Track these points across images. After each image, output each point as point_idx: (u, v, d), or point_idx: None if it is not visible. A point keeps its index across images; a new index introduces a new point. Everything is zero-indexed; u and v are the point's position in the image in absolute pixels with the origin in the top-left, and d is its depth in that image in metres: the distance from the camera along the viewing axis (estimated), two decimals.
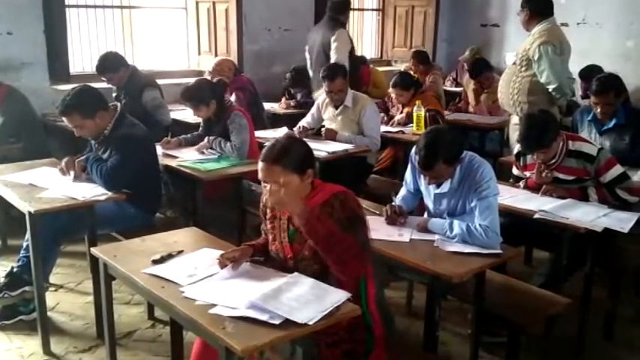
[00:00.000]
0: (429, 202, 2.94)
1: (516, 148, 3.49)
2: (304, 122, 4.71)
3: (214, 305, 1.98)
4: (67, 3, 5.39)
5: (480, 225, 2.59)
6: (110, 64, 4.68)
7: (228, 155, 3.94)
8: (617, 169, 3.13)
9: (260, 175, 2.18)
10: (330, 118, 4.61)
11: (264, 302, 1.93)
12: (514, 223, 3.01)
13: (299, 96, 5.96)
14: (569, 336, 3.12)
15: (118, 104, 3.52)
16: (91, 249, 2.59)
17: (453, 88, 7.19)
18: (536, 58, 4.19)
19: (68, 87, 3.43)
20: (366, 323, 2.21)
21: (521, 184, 3.41)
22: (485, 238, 2.56)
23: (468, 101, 6.17)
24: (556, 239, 3.01)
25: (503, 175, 3.81)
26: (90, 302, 3.33)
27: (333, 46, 5.39)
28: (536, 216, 2.95)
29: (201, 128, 4.32)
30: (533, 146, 3.18)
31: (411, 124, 4.88)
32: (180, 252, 2.43)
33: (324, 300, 1.99)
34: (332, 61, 5.32)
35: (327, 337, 2.12)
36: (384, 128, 4.83)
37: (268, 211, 2.35)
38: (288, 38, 6.64)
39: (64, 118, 3.26)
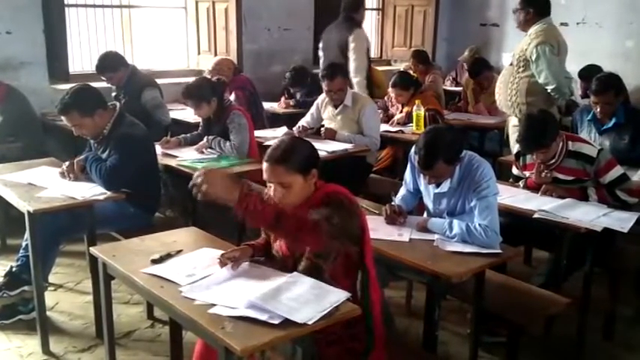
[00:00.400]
0: (428, 202, 2.94)
1: (516, 148, 3.49)
2: (304, 122, 4.71)
3: (213, 305, 1.98)
4: (66, 2, 5.39)
5: (479, 224, 2.59)
6: (110, 63, 4.68)
7: (227, 155, 3.94)
8: (617, 171, 3.13)
9: (264, 175, 2.18)
10: (330, 118, 4.61)
11: (263, 302, 1.93)
12: (514, 222, 3.01)
13: (298, 95, 5.96)
14: (569, 336, 3.12)
15: (117, 104, 3.51)
16: (90, 248, 2.58)
17: (453, 88, 7.19)
18: (534, 58, 4.17)
19: (67, 86, 3.43)
20: (366, 324, 2.20)
21: (521, 183, 3.41)
22: (484, 237, 2.56)
23: (468, 101, 6.16)
24: (556, 239, 3.01)
25: (503, 174, 3.81)
26: (89, 302, 3.33)
27: (351, 46, 5.38)
28: (535, 216, 2.95)
29: (200, 128, 4.32)
30: (532, 146, 3.18)
31: (411, 124, 4.88)
32: (179, 252, 2.43)
33: (324, 300, 1.98)
34: (351, 61, 5.35)
35: (327, 335, 2.12)
36: (383, 128, 4.83)
37: None
38: (287, 38, 6.64)
39: (63, 118, 3.26)
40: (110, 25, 6.02)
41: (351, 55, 5.37)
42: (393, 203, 2.94)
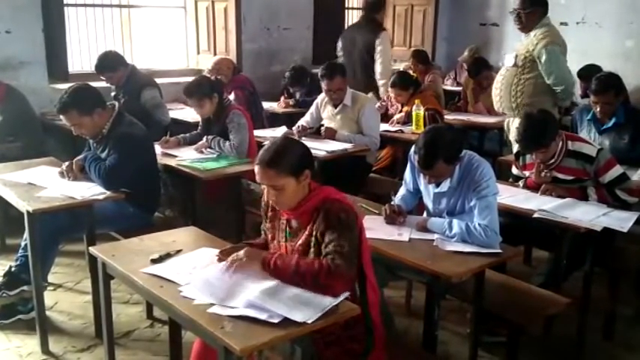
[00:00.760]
0: (428, 202, 2.94)
1: (515, 147, 3.48)
2: (303, 121, 4.70)
3: (213, 304, 1.98)
4: (65, 2, 5.38)
5: (479, 224, 2.59)
6: (109, 63, 4.68)
7: (227, 154, 3.93)
8: (617, 170, 3.12)
9: (257, 178, 2.18)
10: (329, 117, 4.60)
11: (262, 301, 1.93)
12: (513, 222, 3.00)
13: (298, 95, 5.96)
14: (569, 336, 3.12)
15: (116, 103, 3.51)
16: (90, 248, 2.58)
17: (453, 88, 7.19)
18: (543, 59, 4.11)
19: (67, 86, 3.42)
20: (366, 324, 2.20)
21: (521, 183, 3.41)
22: (484, 237, 2.56)
23: (467, 100, 6.16)
24: (555, 239, 3.01)
25: (503, 174, 3.80)
26: (88, 301, 3.32)
27: (378, 49, 5.40)
28: (535, 215, 2.94)
29: (200, 127, 4.31)
30: (532, 146, 3.18)
31: (410, 124, 4.88)
32: (178, 251, 2.43)
33: (323, 299, 1.98)
34: (377, 64, 5.40)
35: (326, 336, 2.12)
36: (383, 127, 4.82)
37: (269, 210, 2.35)
38: (287, 37, 6.63)
39: (62, 117, 3.25)
40: (110, 24, 6.02)
41: (378, 58, 5.41)
42: (392, 203, 2.93)
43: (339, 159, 4.16)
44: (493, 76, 5.87)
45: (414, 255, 2.49)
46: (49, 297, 3.48)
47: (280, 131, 4.73)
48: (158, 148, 3.93)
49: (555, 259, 3.12)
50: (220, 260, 2.23)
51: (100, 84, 4.46)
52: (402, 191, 3.08)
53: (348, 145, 4.28)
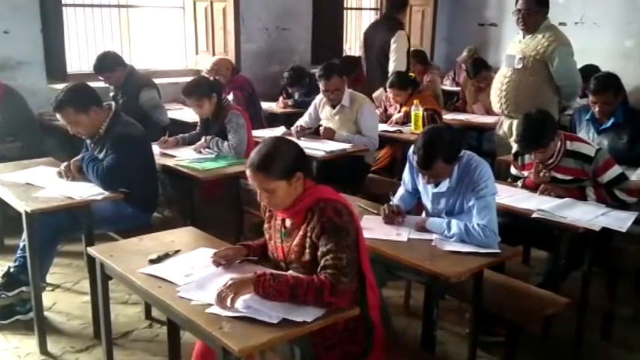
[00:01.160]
0: (427, 202, 2.94)
1: (514, 147, 3.48)
2: (302, 122, 4.70)
3: (211, 305, 1.97)
4: (64, 2, 5.37)
5: (477, 224, 2.59)
6: (108, 63, 4.68)
7: (225, 155, 3.93)
8: (616, 170, 3.13)
9: (249, 180, 2.17)
10: (328, 118, 4.60)
11: (260, 305, 1.93)
12: (512, 222, 3.00)
13: (296, 95, 5.96)
14: (567, 335, 3.12)
15: (113, 103, 3.51)
16: (88, 248, 2.58)
17: (452, 88, 7.19)
18: (556, 61, 4.08)
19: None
20: (366, 326, 2.20)
21: (519, 183, 3.41)
22: (483, 237, 2.56)
23: (466, 101, 6.16)
24: (554, 239, 3.01)
25: (501, 174, 3.80)
26: (87, 302, 3.32)
27: (393, 47, 5.45)
28: (534, 215, 2.94)
29: (198, 127, 4.31)
30: (530, 146, 3.18)
31: (409, 124, 4.88)
32: (177, 252, 2.43)
33: None
34: (391, 61, 5.44)
35: (325, 340, 2.11)
36: (381, 127, 4.83)
37: (267, 210, 2.34)
38: (285, 37, 6.63)
39: (58, 115, 3.25)
40: (108, 24, 6.02)
41: (392, 56, 5.45)
42: (391, 203, 2.93)
43: (337, 159, 4.16)
44: (492, 77, 5.85)
45: (412, 255, 2.49)
46: (48, 297, 3.48)
47: (279, 131, 4.73)
48: (156, 149, 3.93)
49: (554, 259, 3.13)
50: (215, 263, 2.23)
51: (98, 84, 4.46)
52: (400, 191, 3.08)
53: (346, 146, 4.28)
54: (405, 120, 4.99)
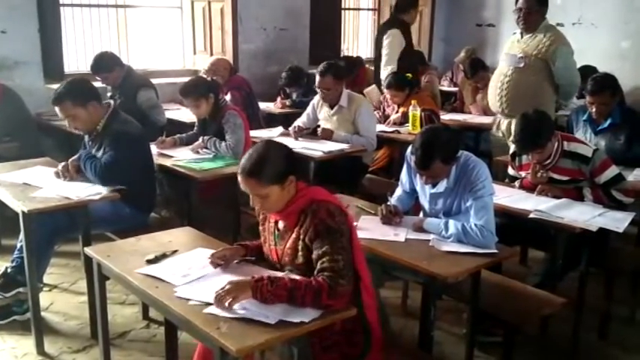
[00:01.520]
0: (424, 202, 2.94)
1: (512, 148, 3.49)
2: (299, 122, 4.70)
3: (209, 305, 1.97)
4: (61, 2, 5.37)
5: (475, 225, 2.59)
6: (105, 63, 4.67)
7: (223, 155, 3.93)
8: (613, 171, 3.13)
9: (241, 186, 2.16)
10: (326, 118, 4.60)
11: (257, 308, 1.93)
12: (509, 222, 3.01)
13: (294, 96, 5.96)
14: (564, 335, 3.12)
15: (112, 102, 3.51)
16: (85, 249, 2.58)
17: (450, 88, 7.20)
18: (557, 61, 4.09)
19: None
20: (363, 326, 2.20)
21: (517, 183, 3.41)
22: (480, 237, 2.56)
23: (464, 101, 6.17)
24: (551, 239, 3.01)
25: (499, 174, 3.81)
26: (84, 302, 3.31)
27: (384, 43, 5.51)
28: (531, 216, 2.95)
29: (196, 128, 4.31)
30: (528, 146, 3.18)
31: (407, 124, 4.88)
32: (174, 252, 2.42)
33: None
34: (382, 57, 5.51)
35: (323, 340, 2.11)
36: (379, 128, 4.83)
37: (261, 212, 2.34)
38: (283, 38, 6.63)
39: (56, 109, 3.24)
40: (105, 24, 6.01)
41: (383, 51, 5.51)
42: (389, 203, 2.93)
43: (335, 159, 4.16)
44: (489, 77, 5.87)
45: (410, 255, 2.49)
46: (45, 298, 3.48)
47: (277, 132, 4.73)
48: (154, 149, 3.92)
49: (551, 259, 3.13)
50: (213, 264, 2.23)
51: (96, 85, 4.43)
52: (398, 192, 3.08)
53: (344, 146, 4.28)
54: (403, 120, 5.00)
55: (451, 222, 2.65)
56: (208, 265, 2.25)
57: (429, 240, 2.63)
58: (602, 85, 3.65)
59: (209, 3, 6.30)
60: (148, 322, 3.35)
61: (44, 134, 4.85)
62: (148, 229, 2.95)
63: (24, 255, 3.00)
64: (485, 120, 5.55)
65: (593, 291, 3.20)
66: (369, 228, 2.75)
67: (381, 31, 5.71)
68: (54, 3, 5.25)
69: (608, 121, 3.69)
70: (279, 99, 5.97)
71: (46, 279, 3.60)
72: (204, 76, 5.10)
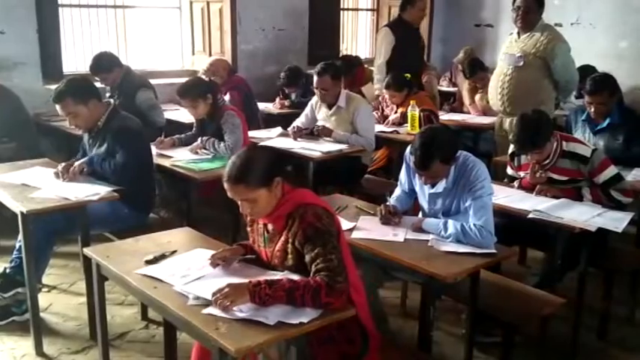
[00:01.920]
0: (423, 202, 2.94)
1: (511, 148, 3.49)
2: (298, 122, 4.69)
3: (207, 305, 1.97)
4: (60, 2, 5.36)
5: (474, 225, 2.59)
6: (104, 63, 4.67)
7: (222, 155, 3.92)
8: (611, 171, 3.13)
9: (228, 194, 2.16)
10: (324, 119, 4.60)
11: (256, 311, 1.93)
12: (508, 222, 3.01)
13: (293, 96, 5.95)
14: (564, 335, 3.12)
15: (111, 100, 3.52)
16: (84, 249, 2.58)
17: (449, 89, 7.19)
18: (556, 59, 4.20)
19: None
20: (357, 323, 2.19)
21: (516, 184, 3.41)
22: (479, 237, 2.56)
23: (462, 101, 6.17)
24: (550, 239, 3.01)
25: (498, 174, 3.81)
26: (83, 303, 3.31)
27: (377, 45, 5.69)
28: (530, 216, 2.95)
29: (194, 128, 4.30)
30: (527, 146, 3.18)
31: (406, 124, 4.88)
32: (173, 252, 2.42)
33: None
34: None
35: (317, 332, 2.10)
36: (378, 128, 4.82)
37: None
38: (282, 38, 6.63)
39: (57, 107, 3.25)
40: (104, 25, 6.00)
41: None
42: (388, 203, 2.93)
43: (334, 160, 4.16)
44: (488, 77, 5.88)
45: (409, 255, 2.49)
46: (44, 299, 3.47)
47: (275, 132, 4.73)
48: (153, 149, 3.91)
49: (550, 259, 3.14)
50: (213, 264, 2.23)
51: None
52: (397, 192, 3.08)
53: (343, 146, 4.28)
54: (402, 121, 4.99)
55: (450, 222, 2.65)
56: (207, 265, 2.25)
57: (428, 240, 2.63)
58: (601, 85, 3.66)
59: (208, 3, 6.30)
60: (147, 322, 3.35)
61: (43, 135, 4.84)
62: (147, 229, 2.95)
63: (22, 255, 3.00)
64: (484, 120, 5.55)
65: (593, 291, 3.20)
66: (368, 228, 2.75)
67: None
68: (52, 3, 5.24)
69: (607, 121, 3.69)
70: (278, 99, 5.96)
71: (45, 280, 3.60)
72: (203, 76, 5.10)
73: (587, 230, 2.80)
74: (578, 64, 5.35)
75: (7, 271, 3.28)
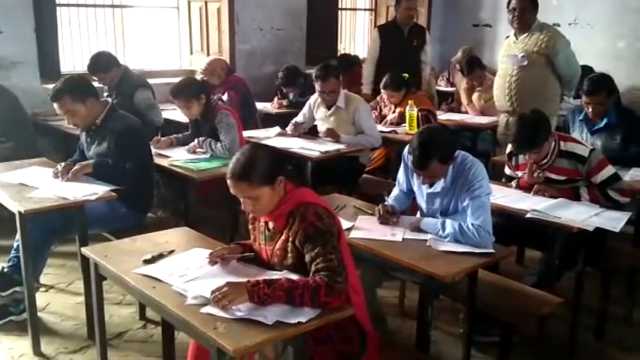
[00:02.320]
0: (421, 202, 2.94)
1: (509, 147, 3.50)
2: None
3: (205, 305, 1.97)
4: (58, 2, 5.35)
5: (472, 224, 2.59)
6: (102, 63, 4.66)
7: (219, 155, 3.92)
8: (609, 170, 3.14)
9: (231, 191, 2.16)
10: (323, 119, 4.60)
11: (254, 311, 1.93)
12: (506, 222, 3.01)
13: (291, 95, 5.95)
14: (561, 335, 3.13)
15: (109, 99, 3.52)
16: (82, 249, 2.57)
17: (447, 88, 7.20)
18: (559, 56, 4.27)
19: None
20: (355, 323, 2.20)
21: (514, 183, 3.41)
22: (477, 237, 2.56)
23: (460, 101, 6.18)
24: (548, 239, 3.02)
25: (496, 174, 3.81)
26: (81, 303, 3.31)
27: None
28: (528, 215, 2.95)
29: (190, 128, 4.29)
30: (524, 146, 3.19)
31: (404, 124, 4.89)
32: (171, 252, 2.42)
33: None
34: None
35: (314, 332, 2.10)
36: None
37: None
38: (280, 38, 6.63)
39: (55, 106, 3.25)
40: (102, 24, 6.00)
41: None
42: (386, 203, 2.94)
43: (332, 159, 4.16)
44: (485, 75, 5.91)
45: (407, 255, 2.49)
46: (41, 298, 3.47)
47: (273, 132, 4.72)
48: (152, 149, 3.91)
49: (548, 259, 3.14)
50: (211, 262, 2.23)
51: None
52: (395, 191, 3.08)
53: (341, 146, 4.27)
54: (400, 120, 5.00)
55: (448, 222, 2.65)
56: (205, 265, 2.24)
57: (426, 240, 2.63)
58: (599, 85, 3.66)
59: (206, 3, 6.30)
60: (144, 322, 3.35)
61: (40, 134, 4.84)
62: (145, 229, 2.95)
63: (20, 255, 2.99)
64: (483, 120, 5.56)
65: (590, 291, 3.20)
66: (367, 228, 2.75)
67: None
68: (50, 3, 5.23)
69: (605, 121, 3.70)
70: (276, 99, 5.96)
71: (42, 279, 3.60)
72: (201, 76, 5.09)
73: (584, 230, 2.81)
74: None
75: (5, 270, 3.28)
